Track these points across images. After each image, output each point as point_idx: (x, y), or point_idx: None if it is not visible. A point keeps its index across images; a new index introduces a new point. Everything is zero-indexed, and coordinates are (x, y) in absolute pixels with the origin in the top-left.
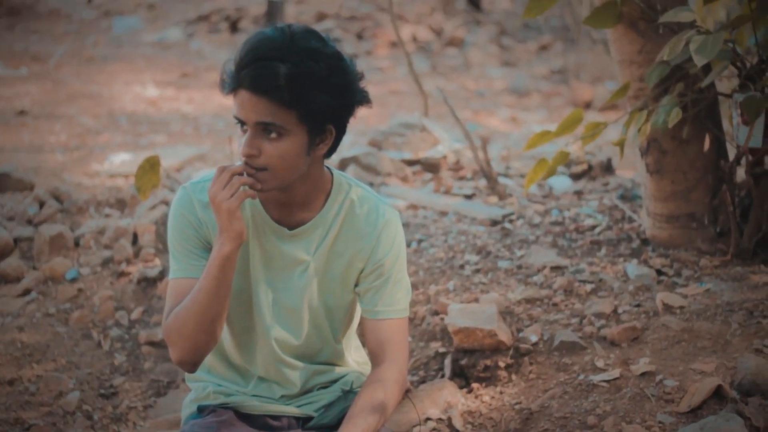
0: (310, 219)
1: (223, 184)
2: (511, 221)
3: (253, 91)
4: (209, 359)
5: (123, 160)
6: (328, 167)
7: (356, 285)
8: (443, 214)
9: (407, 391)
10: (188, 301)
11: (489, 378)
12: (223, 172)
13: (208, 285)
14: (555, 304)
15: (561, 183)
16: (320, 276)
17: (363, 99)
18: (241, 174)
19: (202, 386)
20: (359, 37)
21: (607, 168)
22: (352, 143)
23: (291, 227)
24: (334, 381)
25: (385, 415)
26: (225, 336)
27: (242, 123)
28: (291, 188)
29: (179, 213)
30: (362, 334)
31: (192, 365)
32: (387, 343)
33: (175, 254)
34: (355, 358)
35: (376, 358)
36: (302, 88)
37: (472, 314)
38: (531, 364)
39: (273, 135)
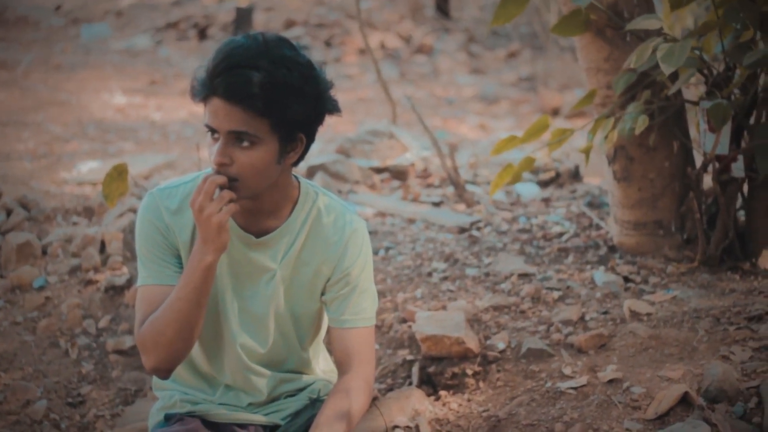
0: (277, 227)
1: (210, 195)
2: (478, 228)
3: (227, 99)
4: (176, 368)
5: (91, 168)
6: (295, 175)
7: (323, 294)
8: (411, 221)
9: (374, 399)
10: (166, 309)
11: (457, 385)
12: (208, 182)
13: (188, 294)
14: (522, 312)
15: (528, 190)
16: (287, 284)
17: (333, 108)
18: (225, 185)
19: (168, 395)
20: (328, 44)
21: (575, 175)
22: (320, 151)
23: (257, 235)
24: (301, 389)
25: (351, 424)
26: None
27: (213, 131)
28: (259, 196)
29: (146, 219)
30: (329, 343)
31: (166, 372)
32: (354, 352)
33: (143, 261)
34: (322, 366)
35: (342, 367)
36: (276, 96)
37: (440, 322)
38: (498, 371)
39: (245, 144)
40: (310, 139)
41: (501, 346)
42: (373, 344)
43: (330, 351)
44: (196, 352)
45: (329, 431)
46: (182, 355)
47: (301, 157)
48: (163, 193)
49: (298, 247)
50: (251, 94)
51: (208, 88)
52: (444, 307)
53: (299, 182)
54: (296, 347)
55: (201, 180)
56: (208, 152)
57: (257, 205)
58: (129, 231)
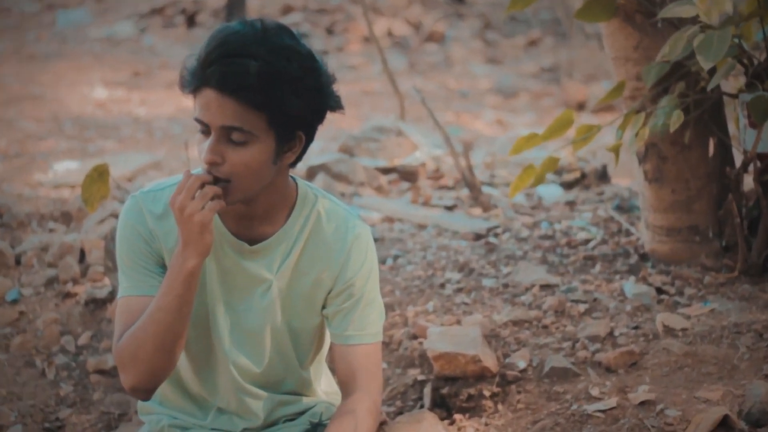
0: (273, 233)
1: (192, 192)
2: (496, 235)
3: (220, 91)
4: (163, 389)
5: (69, 169)
6: (292, 177)
7: (324, 307)
8: (422, 227)
9: (382, 424)
10: (146, 320)
11: (473, 408)
12: (191, 178)
13: (170, 303)
14: (545, 327)
15: (551, 192)
16: (284, 296)
17: (336, 104)
18: (210, 182)
19: (156, 419)
20: (329, 31)
21: (602, 176)
22: (321, 150)
23: (251, 242)
24: (301, 413)
25: None
26: (181, 362)
27: (204, 126)
28: (253, 200)
29: (129, 224)
30: (331, 361)
31: (146, 393)
32: (359, 370)
33: (124, 270)
34: (324, 387)
35: (346, 388)
36: (274, 89)
37: (454, 338)
38: (519, 392)
39: (239, 141)
40: (310, 138)
41: (521, 364)
42: (380, 362)
43: (332, 370)
44: (185, 371)
45: None
46: (163, 372)
47: (300, 158)
48: (147, 197)
49: (295, 256)
50: (247, 85)
51: (199, 78)
52: (458, 322)
53: (297, 184)
54: (295, 366)
55: (183, 177)
56: (198, 150)
57: (251, 209)
58: (111, 238)
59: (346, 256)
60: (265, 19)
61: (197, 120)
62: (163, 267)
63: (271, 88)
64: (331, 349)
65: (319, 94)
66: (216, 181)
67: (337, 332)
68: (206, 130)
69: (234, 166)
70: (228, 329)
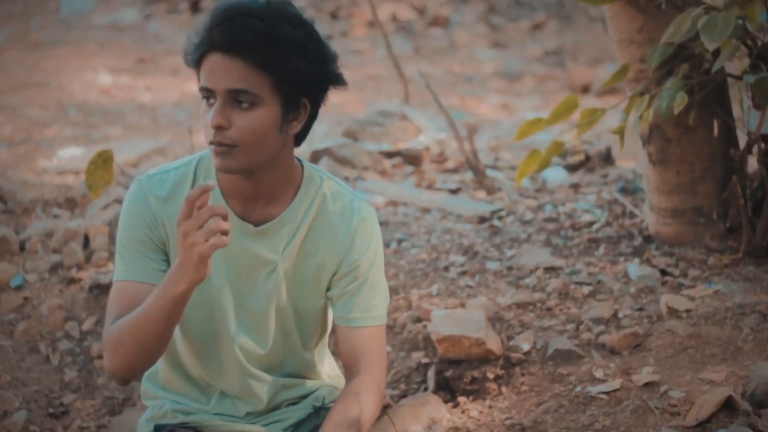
0: (278, 215)
1: (200, 222)
2: (500, 218)
3: (226, 52)
4: (166, 374)
5: (73, 156)
6: (298, 158)
7: (328, 289)
8: (426, 210)
9: (386, 407)
10: (132, 320)
11: (477, 391)
12: (204, 209)
13: (155, 316)
14: (549, 309)
15: (555, 175)
16: (289, 278)
17: (338, 78)
18: (224, 216)
19: (159, 404)
20: (334, 16)
21: (606, 158)
22: (325, 134)
23: (256, 224)
24: (305, 396)
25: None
26: (183, 347)
27: (209, 94)
28: (258, 176)
29: (132, 209)
30: (335, 343)
31: (124, 381)
32: (363, 353)
33: (122, 253)
34: (327, 371)
35: (350, 370)
36: (279, 50)
37: (458, 321)
38: (523, 375)
39: (245, 105)
40: (315, 109)
41: (525, 347)
42: (384, 344)
43: (336, 353)
44: (188, 355)
45: None
46: (139, 369)
47: (304, 132)
48: (152, 180)
49: (300, 237)
50: (253, 44)
51: (205, 43)
52: (462, 305)
53: (303, 166)
54: (299, 348)
55: (194, 192)
56: (203, 120)
57: (255, 187)
58: (115, 224)
59: (352, 238)
60: None
61: (202, 89)
62: (163, 253)
63: (276, 49)
64: (335, 331)
65: (323, 61)
66: (221, 145)
67: (341, 314)
68: (211, 100)
69: (240, 130)
70: (233, 311)
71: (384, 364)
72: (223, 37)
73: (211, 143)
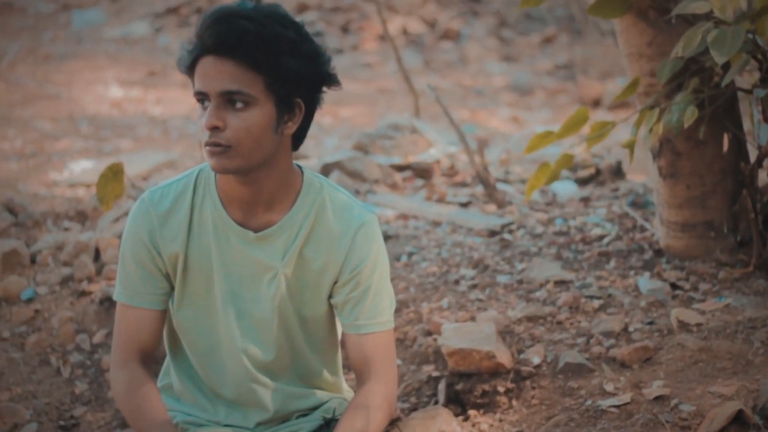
0: (277, 221)
1: None
2: (510, 231)
3: (217, 54)
4: (177, 385)
5: (84, 168)
6: (298, 165)
7: (331, 296)
8: (436, 224)
9: (396, 420)
10: (136, 423)
11: (487, 404)
12: None
13: None
14: (559, 323)
15: (566, 189)
16: (290, 284)
17: (331, 77)
18: None
19: (170, 416)
20: (344, 30)
21: (617, 172)
22: (336, 147)
23: (256, 230)
24: (315, 408)
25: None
26: (191, 357)
27: (204, 98)
28: (255, 179)
29: (134, 232)
30: (345, 351)
31: None
32: (371, 359)
33: (124, 272)
34: (341, 382)
35: (361, 376)
36: (270, 49)
37: (469, 334)
38: (533, 388)
39: (239, 105)
40: (310, 110)
41: (536, 360)
42: (393, 350)
43: (345, 359)
44: (195, 365)
45: None
46: None
47: (301, 135)
48: (155, 196)
49: (300, 243)
50: (243, 44)
51: (196, 48)
52: (473, 318)
53: (302, 172)
54: (305, 353)
55: None
56: (198, 124)
57: (254, 193)
58: None
59: (351, 245)
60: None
61: (197, 93)
62: (163, 276)
63: (267, 48)
64: (343, 338)
65: (315, 60)
66: (217, 146)
67: (347, 322)
68: (206, 101)
69: (235, 131)
70: (236, 319)
71: (394, 368)
72: (214, 39)
73: (206, 144)
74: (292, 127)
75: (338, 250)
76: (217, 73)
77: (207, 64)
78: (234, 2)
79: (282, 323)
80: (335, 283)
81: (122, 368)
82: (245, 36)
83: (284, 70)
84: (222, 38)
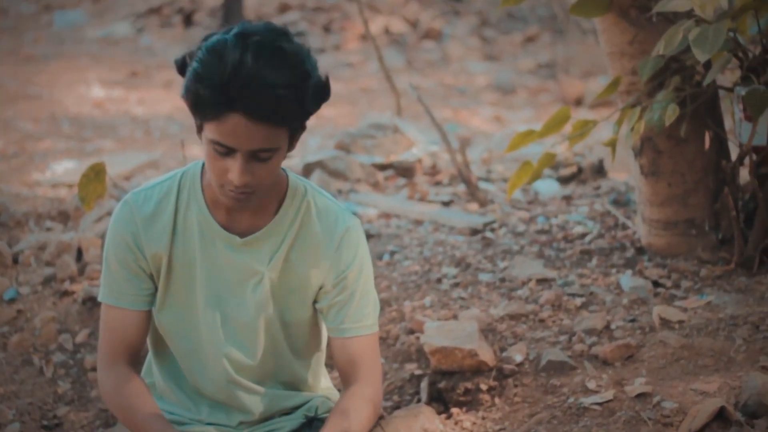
0: (263, 226)
1: None
2: (492, 230)
3: (251, 119)
4: (161, 385)
5: (66, 169)
6: (283, 169)
7: (316, 301)
8: (418, 222)
9: (380, 418)
10: (135, 424)
11: (470, 402)
12: None
13: None
14: (542, 321)
15: (548, 187)
16: (275, 289)
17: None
18: None
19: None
20: (326, 29)
21: (599, 170)
22: (318, 147)
23: (242, 235)
24: (298, 407)
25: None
26: (174, 359)
27: (225, 149)
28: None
29: (118, 234)
30: (331, 355)
31: None
32: (357, 362)
33: (108, 273)
34: (321, 384)
35: (347, 378)
36: (302, 106)
37: (451, 332)
38: (516, 386)
39: (265, 156)
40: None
41: (518, 358)
42: (378, 352)
43: (330, 365)
44: (178, 367)
45: None
46: None
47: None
48: (138, 198)
49: (286, 248)
50: (280, 112)
51: (224, 104)
52: (455, 317)
53: (287, 176)
54: (289, 359)
55: None
56: (213, 168)
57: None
58: None
59: (337, 250)
60: (254, 27)
61: (219, 144)
62: (147, 277)
63: (300, 108)
64: (329, 343)
65: (326, 89)
66: (244, 193)
67: (333, 326)
68: (226, 152)
69: (261, 178)
70: (220, 323)
71: (379, 371)
72: (246, 106)
73: (230, 192)
74: (294, 147)
75: (324, 255)
76: (249, 134)
77: (236, 123)
78: (239, 48)
79: (266, 328)
80: (320, 288)
81: (109, 368)
82: (279, 105)
83: (306, 115)
84: (256, 108)
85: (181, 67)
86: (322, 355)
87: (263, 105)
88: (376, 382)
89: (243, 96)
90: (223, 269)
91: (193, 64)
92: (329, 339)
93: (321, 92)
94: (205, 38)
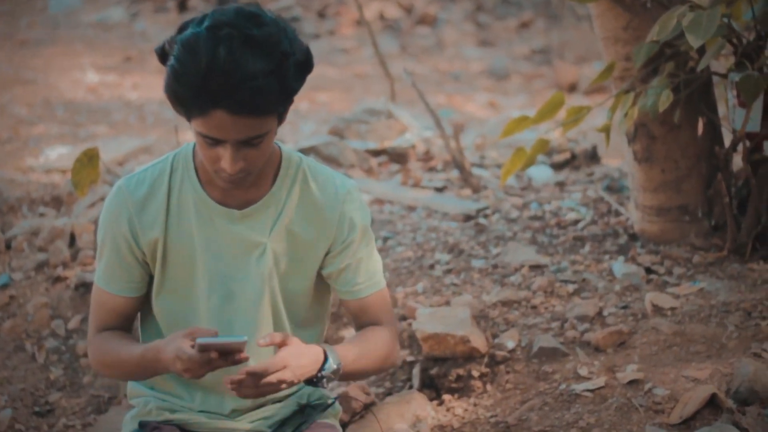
0: (260, 197)
1: (206, 368)
2: (485, 216)
3: (237, 113)
4: None
5: (60, 154)
6: (275, 142)
7: (322, 268)
8: (412, 208)
9: (371, 405)
10: (117, 359)
11: (462, 389)
12: (217, 362)
13: (139, 372)
14: (534, 307)
15: (541, 173)
16: (279, 259)
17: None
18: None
19: (143, 401)
20: (321, 15)
21: (592, 156)
22: (312, 132)
23: (239, 208)
24: (290, 394)
25: (381, 359)
26: None
27: (214, 140)
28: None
29: (111, 219)
30: (352, 317)
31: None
32: (377, 317)
33: (102, 257)
34: None
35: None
36: (285, 90)
37: (443, 319)
38: (508, 372)
39: (256, 141)
40: None
41: (510, 344)
42: (390, 304)
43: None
44: None
45: (368, 345)
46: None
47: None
48: (131, 183)
49: (287, 217)
50: (263, 102)
51: (206, 103)
52: (447, 303)
53: (280, 147)
54: (289, 330)
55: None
56: (205, 157)
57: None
58: None
59: (340, 215)
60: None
61: (206, 137)
62: (141, 262)
63: (283, 93)
64: (346, 306)
65: (308, 62)
66: (238, 177)
67: (346, 289)
68: (215, 143)
69: (253, 161)
70: (224, 301)
71: (395, 321)
72: (229, 103)
73: (225, 176)
74: (285, 118)
75: (327, 221)
76: (235, 126)
77: (221, 118)
78: (208, 36)
79: (270, 300)
80: (327, 253)
81: (94, 337)
82: (263, 95)
83: (293, 96)
84: (238, 102)
85: (162, 56)
86: (323, 328)
87: (245, 99)
88: (395, 330)
89: (223, 92)
90: (223, 245)
91: (171, 60)
92: (345, 302)
93: (303, 66)
94: (180, 28)
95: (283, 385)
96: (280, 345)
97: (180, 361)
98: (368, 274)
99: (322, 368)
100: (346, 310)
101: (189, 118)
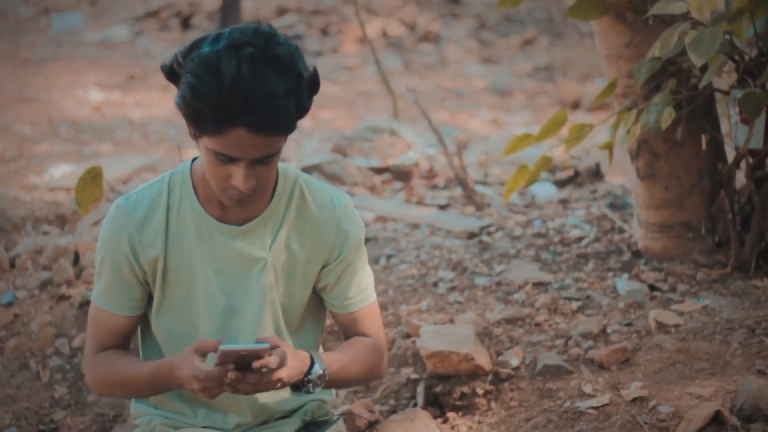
0: (259, 213)
1: (222, 388)
2: (489, 233)
3: (257, 131)
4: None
5: (64, 172)
6: None
7: (317, 281)
8: (415, 226)
9: (376, 423)
10: (123, 377)
11: (466, 406)
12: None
13: (147, 389)
14: (538, 324)
15: (544, 191)
16: (279, 275)
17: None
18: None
19: (147, 419)
20: (324, 32)
21: (596, 174)
22: (315, 150)
23: (239, 224)
24: (294, 410)
25: (367, 368)
26: None
27: (227, 158)
28: None
29: (111, 238)
30: (341, 329)
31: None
32: (366, 331)
33: (101, 275)
34: None
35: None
36: (300, 111)
37: (447, 336)
38: (512, 390)
39: (267, 160)
40: None
41: (514, 362)
42: (380, 319)
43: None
44: None
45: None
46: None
47: None
48: (130, 202)
49: (285, 232)
50: (283, 122)
51: (227, 121)
52: (451, 320)
53: None
54: (288, 340)
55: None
56: (213, 175)
57: None
58: None
59: (336, 230)
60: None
61: (221, 154)
62: (140, 281)
63: (297, 110)
64: (336, 318)
65: (316, 81)
66: (249, 197)
67: (337, 302)
68: (228, 160)
69: (263, 180)
70: (225, 317)
71: (383, 334)
72: (250, 122)
73: (234, 195)
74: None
75: (324, 236)
76: (253, 145)
77: (240, 136)
78: (231, 57)
79: (272, 314)
80: (323, 267)
81: (93, 358)
82: (282, 114)
83: (305, 113)
84: (259, 121)
85: (170, 73)
86: (319, 338)
87: (266, 118)
88: (384, 344)
89: (245, 111)
90: (224, 261)
91: (188, 78)
92: (335, 314)
93: (313, 86)
94: (193, 45)
95: (279, 384)
96: (273, 346)
97: (197, 381)
98: (359, 288)
99: (308, 372)
100: (335, 322)
101: (201, 135)
